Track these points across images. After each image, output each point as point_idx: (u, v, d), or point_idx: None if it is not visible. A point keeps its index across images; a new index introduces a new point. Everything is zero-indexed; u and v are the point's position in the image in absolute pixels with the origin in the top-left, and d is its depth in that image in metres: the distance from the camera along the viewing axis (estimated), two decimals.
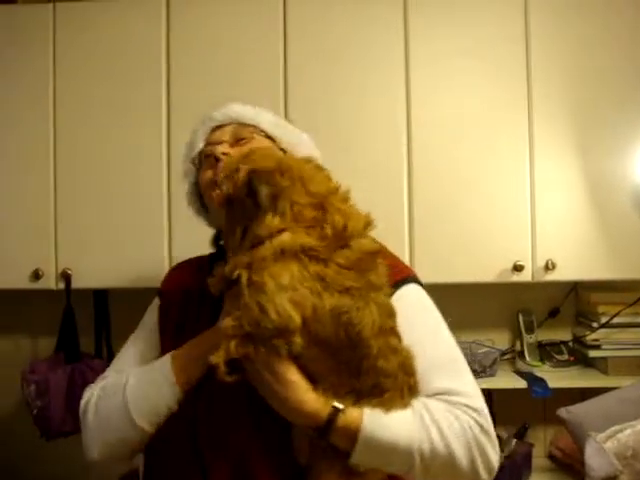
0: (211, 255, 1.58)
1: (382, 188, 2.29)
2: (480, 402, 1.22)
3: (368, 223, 1.22)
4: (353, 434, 1.13)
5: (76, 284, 2.36)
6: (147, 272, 2.32)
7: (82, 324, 2.52)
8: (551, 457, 2.56)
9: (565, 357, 2.55)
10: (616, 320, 2.44)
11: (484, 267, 2.28)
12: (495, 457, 1.20)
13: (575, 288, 2.67)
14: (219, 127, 1.49)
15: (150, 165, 2.34)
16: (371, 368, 1.14)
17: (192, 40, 2.37)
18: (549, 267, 2.27)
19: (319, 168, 1.27)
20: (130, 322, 2.64)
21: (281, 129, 1.53)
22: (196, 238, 2.24)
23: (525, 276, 2.28)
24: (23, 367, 2.43)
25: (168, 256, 2.31)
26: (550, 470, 2.50)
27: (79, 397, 2.34)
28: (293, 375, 1.15)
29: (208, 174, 1.44)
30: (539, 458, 2.54)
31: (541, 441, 2.63)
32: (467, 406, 1.19)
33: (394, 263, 1.34)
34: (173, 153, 2.33)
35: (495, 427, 1.23)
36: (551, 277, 2.28)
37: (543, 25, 2.32)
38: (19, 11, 2.45)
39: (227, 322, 1.13)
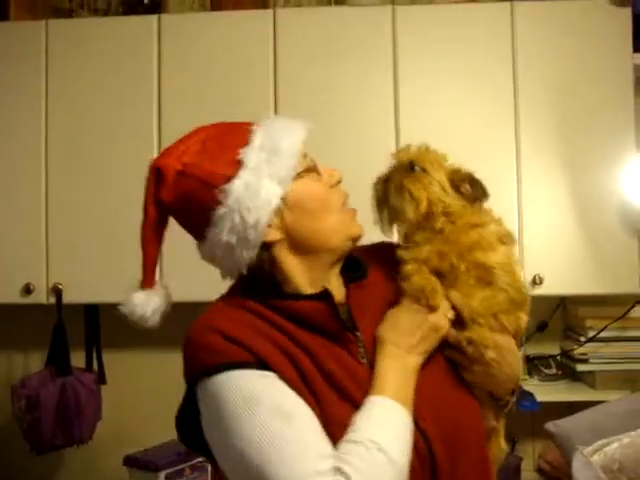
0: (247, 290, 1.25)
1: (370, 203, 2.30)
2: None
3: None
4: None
5: (67, 299, 2.37)
6: (138, 287, 2.32)
7: (73, 338, 2.53)
8: (540, 470, 2.56)
9: (553, 371, 2.57)
10: (604, 334, 2.46)
11: None
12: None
13: (563, 302, 2.69)
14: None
15: (141, 180, 2.33)
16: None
17: (183, 56, 2.40)
18: (537, 282, 2.29)
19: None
20: (121, 337, 2.66)
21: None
22: (187, 252, 2.26)
23: None
24: (14, 381, 2.44)
25: (158, 270, 2.32)
26: None
27: (70, 411, 2.39)
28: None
29: (338, 196, 1.26)
30: (528, 472, 2.55)
31: (530, 455, 2.64)
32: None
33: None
34: None
35: None
36: (539, 292, 2.30)
37: (530, 43, 2.35)
38: (12, 28, 2.47)
39: (475, 303, 1.21)
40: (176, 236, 2.18)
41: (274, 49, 2.37)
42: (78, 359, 2.56)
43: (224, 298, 1.27)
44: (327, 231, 1.22)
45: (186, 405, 1.19)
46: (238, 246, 1.17)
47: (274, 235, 1.18)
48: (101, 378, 2.56)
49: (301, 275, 1.22)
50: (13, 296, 2.37)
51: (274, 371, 1.10)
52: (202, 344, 1.14)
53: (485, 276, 1.22)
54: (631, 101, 2.34)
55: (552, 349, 2.67)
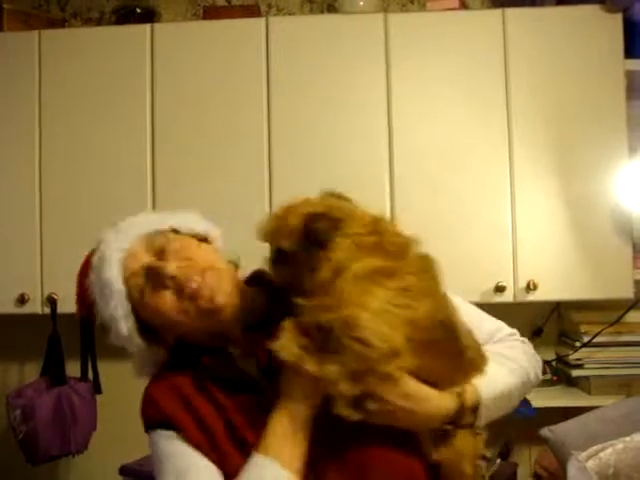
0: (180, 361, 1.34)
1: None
2: (508, 327, 1.45)
3: (415, 239, 1.27)
4: (476, 407, 1.23)
5: (62, 309, 2.36)
6: None
7: (68, 348, 2.52)
8: (536, 476, 2.56)
9: (548, 377, 2.57)
10: (598, 339, 2.47)
11: (466, 288, 2.29)
12: (539, 357, 1.44)
13: (557, 308, 2.69)
14: (129, 256, 1.29)
15: (136, 190, 2.36)
16: (462, 347, 1.22)
17: (176, 65, 2.41)
18: (531, 287, 2.30)
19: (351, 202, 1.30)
20: (116, 346, 2.65)
21: (181, 216, 1.39)
22: None
23: (507, 297, 2.31)
24: (9, 391, 2.43)
25: None
26: None
27: (65, 421, 2.38)
28: (422, 389, 1.18)
29: (166, 297, 1.24)
30: (524, 478, 2.55)
31: (526, 461, 2.64)
32: (509, 334, 1.43)
33: None
34: (158, 178, 2.35)
35: None
36: (533, 297, 2.31)
37: (522, 50, 2.36)
38: (5, 38, 2.47)
39: (327, 369, 1.09)
40: None
41: (267, 57, 2.38)
42: (73, 369, 2.56)
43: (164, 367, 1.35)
44: (181, 327, 1.28)
45: None
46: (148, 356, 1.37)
47: (167, 342, 1.33)
48: (96, 388, 2.55)
49: (212, 341, 1.29)
50: (8, 306, 2.37)
51: (176, 430, 1.21)
52: (142, 409, 1.30)
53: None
54: (623, 107, 2.35)
55: (547, 355, 2.67)
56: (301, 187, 2.43)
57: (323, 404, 1.14)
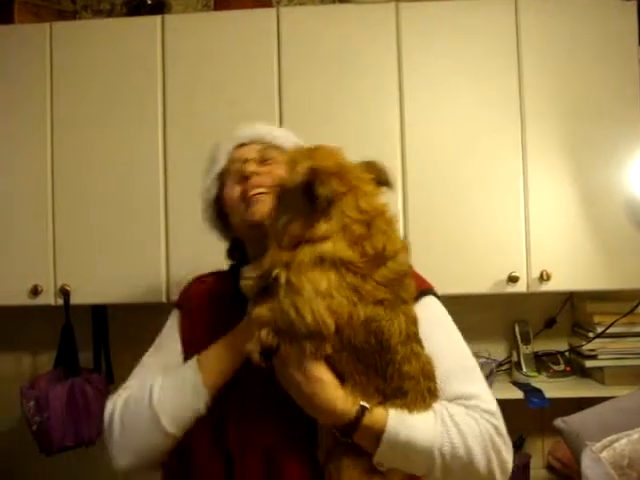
0: (232, 267, 1.62)
1: None
2: (494, 405, 1.29)
3: (404, 247, 1.27)
4: (378, 433, 1.18)
5: (75, 300, 2.37)
6: (145, 287, 2.34)
7: (81, 339, 2.54)
8: (549, 468, 2.56)
9: (562, 367, 2.56)
10: (612, 330, 2.45)
11: (479, 278, 2.29)
12: (509, 458, 1.27)
13: (571, 298, 2.68)
14: (243, 145, 1.54)
15: (147, 181, 2.36)
16: (396, 372, 1.19)
17: (187, 56, 2.40)
18: (544, 278, 2.28)
19: (372, 182, 1.32)
20: (129, 337, 2.66)
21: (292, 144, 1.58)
22: (193, 253, 2.27)
23: (520, 287, 2.30)
24: (23, 383, 2.45)
25: (166, 271, 2.33)
26: None
27: (79, 411, 2.39)
28: (323, 373, 1.20)
29: (236, 190, 1.48)
30: (537, 469, 2.54)
31: (539, 452, 2.63)
32: (483, 410, 1.26)
33: (416, 277, 1.38)
34: (170, 169, 2.35)
35: None
36: (546, 288, 2.30)
37: (535, 38, 2.34)
38: (16, 31, 2.46)
39: (260, 310, 1.19)
40: (185, 246, 2.20)
41: (278, 47, 2.37)
42: (86, 360, 2.58)
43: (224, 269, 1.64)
44: (234, 226, 1.53)
45: None
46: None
47: (231, 233, 1.61)
48: (109, 378, 2.57)
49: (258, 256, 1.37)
50: (21, 298, 2.37)
51: (180, 315, 1.54)
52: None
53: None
54: (637, 96, 2.33)
55: (560, 345, 2.66)
56: None
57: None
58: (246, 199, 1.44)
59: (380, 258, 1.21)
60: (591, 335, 2.48)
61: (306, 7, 2.50)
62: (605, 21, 2.35)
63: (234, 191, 1.48)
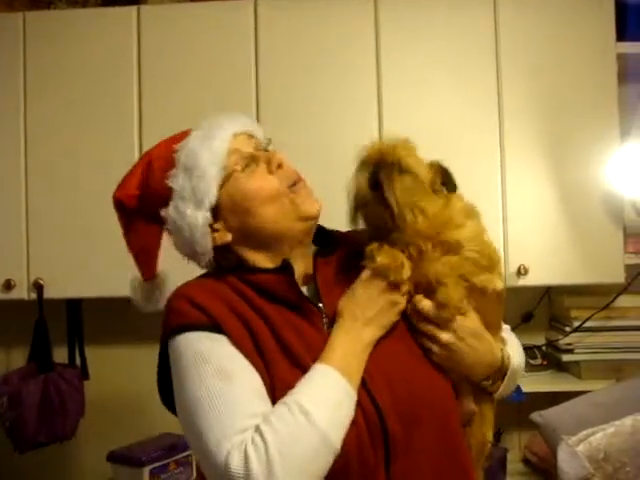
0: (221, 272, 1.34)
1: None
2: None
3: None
4: (507, 370, 1.31)
5: (48, 294, 2.34)
6: (120, 281, 2.29)
7: (55, 334, 2.51)
8: (526, 461, 2.57)
9: (539, 361, 2.58)
10: (589, 324, 2.47)
11: None
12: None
13: (548, 293, 2.69)
14: (235, 136, 1.34)
15: (121, 174, 2.32)
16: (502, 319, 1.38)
17: (163, 49, 2.38)
18: (521, 272, 2.29)
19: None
20: (104, 331, 2.64)
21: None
22: (168, 244, 2.24)
23: None
24: None
25: None
26: (525, 474, 2.52)
27: (53, 408, 2.36)
28: (486, 332, 1.29)
29: (271, 180, 1.29)
30: (514, 463, 2.55)
31: (516, 446, 2.64)
32: (505, 326, 1.45)
33: None
34: None
35: None
36: (523, 282, 2.30)
37: (513, 32, 2.34)
38: None
39: (439, 266, 1.23)
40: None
41: (255, 40, 2.35)
42: (60, 355, 2.54)
43: (204, 274, 1.36)
44: (269, 223, 1.28)
45: (161, 366, 1.27)
46: (195, 253, 1.31)
47: (223, 238, 1.29)
48: (84, 374, 2.54)
49: (266, 261, 1.30)
50: None
51: (226, 334, 1.17)
52: (172, 308, 1.24)
53: (452, 250, 1.24)
54: (615, 91, 2.34)
55: (537, 339, 2.67)
56: None
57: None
58: (293, 190, 1.30)
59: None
60: (568, 329, 2.49)
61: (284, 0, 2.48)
62: (583, 18, 2.35)
63: (270, 181, 1.29)
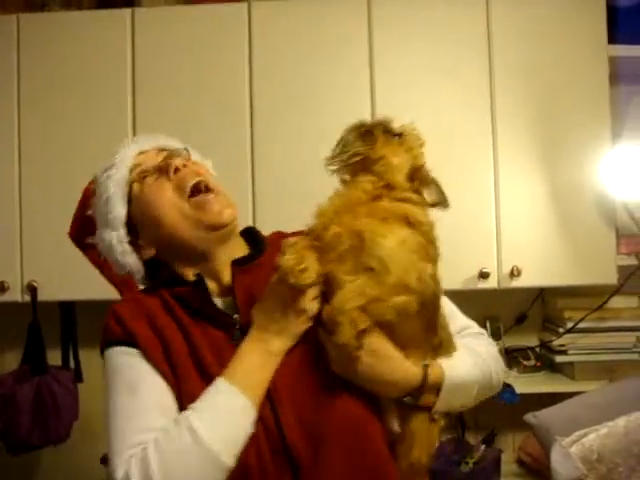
0: (155, 286, 1.36)
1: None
2: (478, 326, 1.44)
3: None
4: (438, 386, 1.22)
5: (42, 296, 2.34)
6: None
7: (49, 336, 2.50)
8: (520, 462, 2.57)
9: (532, 363, 2.58)
10: (582, 325, 2.47)
11: (450, 274, 2.25)
12: (503, 362, 1.41)
13: (541, 294, 2.70)
14: (142, 153, 1.36)
15: None
16: (440, 324, 1.26)
17: (158, 52, 2.38)
18: (514, 274, 2.29)
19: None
20: (97, 334, 2.62)
21: (197, 155, 1.46)
22: None
23: (491, 283, 2.31)
24: None
25: None
26: (519, 475, 2.51)
27: (46, 410, 2.36)
28: (390, 349, 1.19)
29: (166, 187, 1.28)
30: (508, 464, 2.55)
31: (510, 447, 2.64)
32: (480, 333, 1.42)
33: None
34: None
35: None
36: (517, 284, 2.31)
37: (505, 34, 2.35)
38: None
39: (344, 296, 1.13)
40: None
41: (249, 42, 2.36)
42: (54, 357, 2.54)
43: (144, 289, 1.38)
44: (176, 231, 1.28)
45: None
46: (129, 272, 1.35)
47: (148, 253, 1.33)
48: (78, 376, 2.54)
49: (191, 269, 1.30)
50: None
51: (140, 349, 1.20)
52: (104, 325, 1.28)
53: (357, 244, 1.15)
54: (606, 92, 2.35)
55: (531, 341, 2.68)
56: (284, 174, 2.42)
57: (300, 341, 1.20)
58: (189, 195, 1.27)
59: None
60: (561, 330, 2.50)
61: (277, 2, 2.48)
62: (575, 21, 2.36)
63: (164, 189, 1.28)
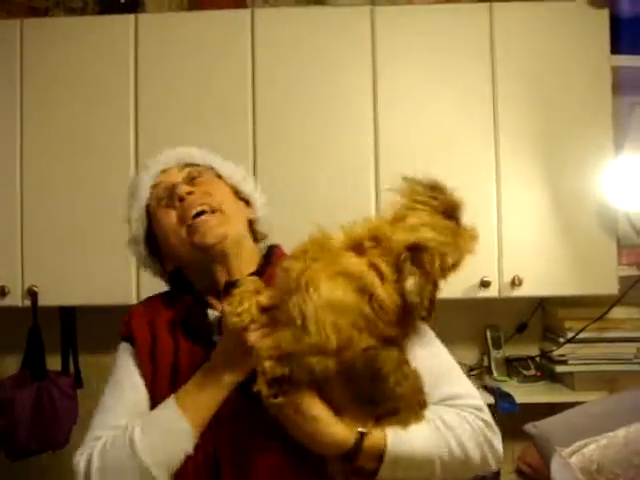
0: (175, 292, 1.48)
1: (349, 209, 2.28)
2: (480, 400, 1.32)
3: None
4: (379, 454, 1.18)
5: (42, 301, 2.33)
6: (114, 289, 2.31)
7: (48, 341, 2.49)
8: (519, 472, 2.56)
9: (532, 372, 2.58)
10: (582, 335, 2.47)
11: (451, 283, 2.26)
12: (500, 446, 1.30)
13: (542, 304, 2.69)
14: (164, 171, 1.45)
15: (118, 181, 2.31)
16: (387, 397, 1.19)
17: (161, 58, 2.38)
18: (515, 283, 2.29)
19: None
20: (97, 339, 2.63)
21: (229, 166, 1.55)
22: None
23: (492, 292, 2.31)
24: None
25: (136, 273, 2.30)
26: None
27: (45, 415, 2.35)
28: (319, 411, 1.18)
29: (172, 216, 1.38)
30: (507, 474, 2.54)
31: (509, 457, 2.63)
32: (471, 406, 1.29)
33: None
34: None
35: None
36: (517, 293, 2.31)
37: (508, 44, 2.36)
38: None
39: (263, 343, 1.15)
40: None
41: (252, 49, 2.36)
42: (54, 363, 2.53)
43: (165, 292, 1.51)
44: (175, 252, 1.41)
45: None
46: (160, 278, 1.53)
47: (169, 267, 1.48)
48: (77, 382, 2.53)
49: (202, 284, 1.42)
50: None
51: (133, 347, 1.37)
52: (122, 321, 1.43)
53: (292, 289, 1.14)
54: (609, 103, 2.35)
55: (531, 350, 2.67)
56: (287, 179, 2.42)
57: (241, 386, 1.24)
58: (187, 223, 1.36)
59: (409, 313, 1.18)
60: (562, 340, 2.49)
61: (281, 9, 2.49)
62: (578, 31, 2.37)
63: (170, 217, 1.39)
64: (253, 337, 1.18)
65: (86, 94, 2.37)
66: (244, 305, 1.18)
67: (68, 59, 2.39)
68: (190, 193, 1.38)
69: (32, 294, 2.33)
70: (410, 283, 1.15)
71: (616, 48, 2.37)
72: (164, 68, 2.38)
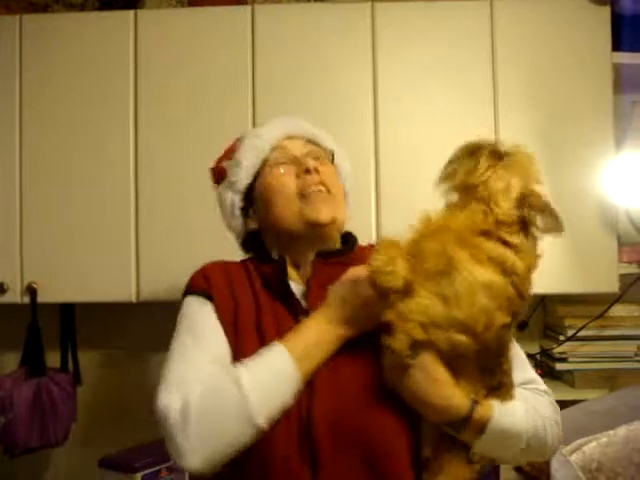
0: (251, 257, 1.55)
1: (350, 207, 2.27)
2: (545, 386, 1.43)
3: None
4: (483, 425, 1.22)
5: (42, 298, 2.33)
6: (114, 286, 2.30)
7: (48, 338, 2.49)
8: (519, 470, 2.56)
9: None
10: (583, 333, 2.46)
11: None
12: (560, 429, 1.39)
13: (542, 301, 2.69)
14: (291, 138, 1.52)
15: (118, 178, 2.33)
16: (501, 370, 1.26)
17: (160, 54, 2.37)
18: None
19: None
20: (97, 336, 2.63)
21: (344, 158, 1.65)
22: (164, 252, 2.24)
23: None
24: None
25: (135, 270, 2.29)
26: None
27: (44, 412, 2.35)
28: (441, 374, 1.20)
29: (292, 182, 1.44)
30: (507, 471, 2.54)
31: None
32: (543, 391, 1.41)
33: None
34: (141, 167, 2.32)
35: None
36: None
37: (509, 41, 2.35)
38: None
39: (410, 306, 1.16)
40: (156, 246, 2.17)
41: (252, 45, 2.35)
42: (53, 359, 2.53)
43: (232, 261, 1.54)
44: (278, 217, 1.44)
45: None
46: (233, 232, 1.59)
47: (251, 225, 1.53)
48: (77, 379, 2.53)
49: (281, 252, 1.46)
50: None
51: (213, 303, 1.37)
52: (190, 277, 1.45)
53: (444, 269, 1.18)
54: (610, 100, 2.34)
55: (531, 348, 2.67)
56: None
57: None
58: (307, 193, 1.42)
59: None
60: (562, 338, 2.49)
61: (281, 5, 2.48)
62: (579, 28, 2.35)
63: (288, 181, 1.44)
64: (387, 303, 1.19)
65: (85, 90, 2.36)
66: (395, 265, 1.18)
67: (67, 55, 2.38)
68: (317, 170, 1.43)
69: (31, 291, 2.32)
70: (545, 217, 1.32)
71: (617, 45, 2.36)
72: (164, 64, 2.37)
